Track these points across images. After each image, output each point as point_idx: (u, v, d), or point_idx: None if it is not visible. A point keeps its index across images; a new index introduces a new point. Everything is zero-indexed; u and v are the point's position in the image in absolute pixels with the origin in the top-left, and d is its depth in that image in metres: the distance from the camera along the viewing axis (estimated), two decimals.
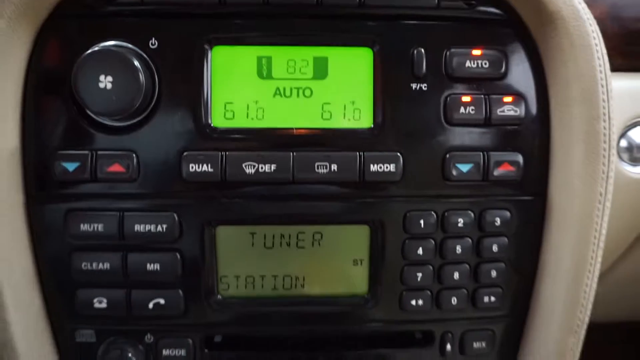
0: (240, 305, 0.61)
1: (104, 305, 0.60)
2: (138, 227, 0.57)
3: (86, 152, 0.56)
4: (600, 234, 0.58)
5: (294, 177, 0.56)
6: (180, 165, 0.56)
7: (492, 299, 0.62)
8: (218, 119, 0.57)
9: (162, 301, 0.60)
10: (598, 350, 0.84)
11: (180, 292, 0.60)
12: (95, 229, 0.57)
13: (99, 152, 0.56)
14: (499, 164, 0.58)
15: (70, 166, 0.56)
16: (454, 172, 0.58)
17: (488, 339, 0.64)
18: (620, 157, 0.71)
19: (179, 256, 0.58)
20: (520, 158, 0.59)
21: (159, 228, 0.57)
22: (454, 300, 0.62)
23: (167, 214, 0.57)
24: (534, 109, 0.59)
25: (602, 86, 0.55)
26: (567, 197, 0.58)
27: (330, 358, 0.64)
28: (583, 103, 0.55)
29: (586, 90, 0.55)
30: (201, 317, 0.61)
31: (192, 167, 0.56)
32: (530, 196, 0.60)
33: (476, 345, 0.64)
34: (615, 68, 0.59)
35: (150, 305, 0.60)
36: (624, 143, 0.72)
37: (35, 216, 0.58)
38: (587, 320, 0.60)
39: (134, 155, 0.56)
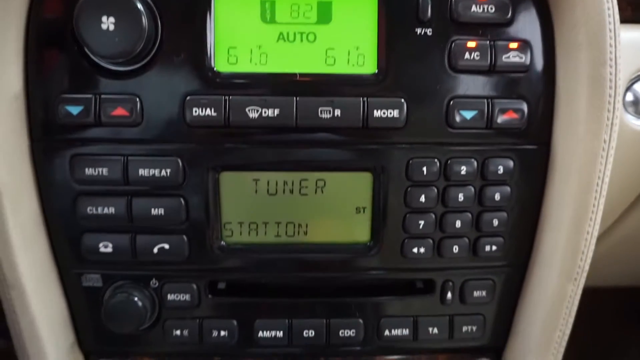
0: (244, 252, 0.62)
1: (109, 249, 0.61)
2: (142, 172, 0.58)
3: (89, 95, 0.56)
4: (603, 182, 0.58)
5: (297, 123, 0.56)
6: (184, 109, 0.56)
7: (494, 248, 0.63)
8: (221, 64, 0.57)
9: (166, 246, 0.61)
10: (589, 314, 0.84)
11: (185, 237, 0.61)
12: (100, 173, 0.58)
13: (103, 96, 0.56)
14: (503, 111, 0.58)
15: (74, 110, 0.56)
16: (458, 119, 0.58)
17: (488, 288, 0.65)
18: (626, 110, 0.70)
19: (183, 201, 0.59)
20: (524, 106, 0.58)
21: (163, 173, 0.58)
22: (455, 249, 0.62)
23: (171, 159, 0.58)
24: (539, 56, 0.58)
25: (610, 30, 0.54)
26: (570, 145, 0.58)
27: (331, 305, 0.65)
28: (589, 48, 0.55)
29: (593, 35, 0.54)
30: (205, 262, 0.62)
31: (196, 112, 0.56)
32: (534, 145, 0.60)
33: (476, 294, 0.65)
34: (623, 20, 0.58)
35: (155, 250, 0.61)
36: (629, 97, 0.71)
37: (40, 160, 0.58)
38: (587, 268, 0.61)
39: (137, 99, 0.56)
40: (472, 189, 0.60)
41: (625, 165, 0.71)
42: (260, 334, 0.65)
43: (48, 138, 0.58)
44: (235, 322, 0.65)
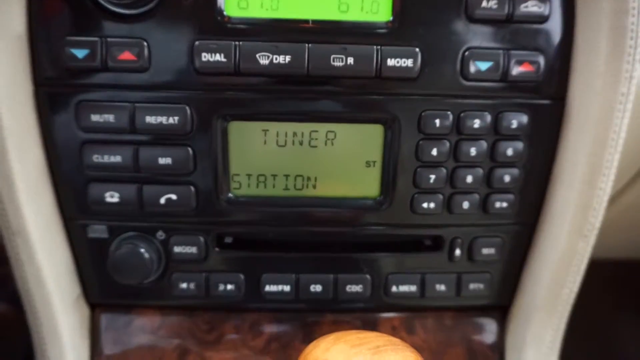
0: (252, 205, 0.61)
1: (115, 200, 0.60)
2: (149, 119, 0.56)
3: (96, 39, 0.54)
4: (619, 137, 0.57)
5: (309, 70, 0.55)
6: (193, 55, 0.54)
7: (504, 204, 0.62)
8: (232, 8, 0.55)
9: (173, 197, 0.60)
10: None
11: (192, 188, 0.60)
12: (106, 120, 0.56)
13: (109, 40, 0.54)
14: (519, 63, 0.57)
15: (80, 53, 0.54)
16: (472, 70, 0.56)
17: (497, 246, 0.65)
18: None
19: (191, 151, 0.58)
20: (541, 58, 0.57)
21: (171, 120, 0.57)
22: (465, 205, 0.62)
23: (179, 107, 0.56)
24: (558, 6, 0.56)
25: None
26: (587, 99, 0.57)
27: (339, 261, 0.65)
28: None
29: None
30: (213, 215, 0.61)
31: (205, 57, 0.54)
32: (549, 100, 0.59)
33: (485, 251, 0.65)
34: None
35: (162, 201, 0.60)
36: None
37: (45, 106, 0.57)
38: (597, 225, 0.61)
39: (145, 43, 0.54)
40: (485, 144, 0.59)
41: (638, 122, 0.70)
42: (267, 288, 0.64)
43: (52, 83, 0.56)
44: (242, 276, 0.64)
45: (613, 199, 0.87)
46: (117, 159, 0.58)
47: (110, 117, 0.56)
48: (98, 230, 0.62)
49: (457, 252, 0.65)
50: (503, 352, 0.69)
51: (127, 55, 0.54)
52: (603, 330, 1.59)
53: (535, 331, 0.66)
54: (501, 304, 0.69)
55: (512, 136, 0.60)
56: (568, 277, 0.62)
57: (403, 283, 0.65)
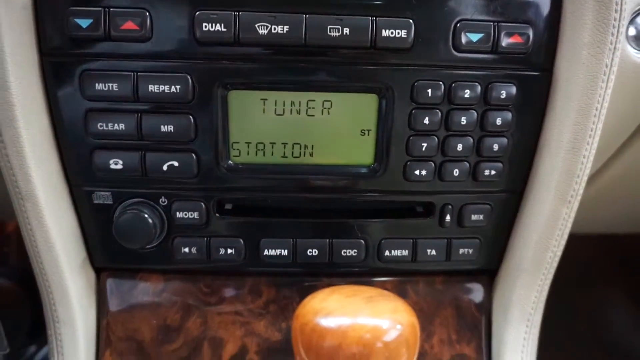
0: (251, 172, 0.64)
1: (119, 166, 0.62)
2: (152, 88, 0.58)
3: (99, 8, 0.56)
4: (602, 107, 0.59)
5: (306, 40, 0.57)
6: (194, 24, 0.56)
7: (493, 172, 0.65)
8: None
9: (175, 164, 0.62)
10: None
11: (194, 155, 0.62)
12: (110, 89, 0.58)
13: (112, 10, 0.56)
14: (509, 35, 0.59)
15: (83, 23, 0.56)
16: (464, 41, 0.58)
17: (486, 213, 0.68)
18: (628, 43, 0.71)
19: (192, 119, 0.60)
20: (530, 30, 0.59)
21: (173, 89, 0.59)
22: (455, 172, 0.64)
23: (180, 76, 0.58)
24: None
25: None
26: (573, 70, 0.59)
27: (335, 226, 0.68)
28: None
29: None
30: (213, 181, 0.64)
31: (205, 27, 0.56)
32: (537, 71, 0.62)
33: (474, 217, 0.68)
34: None
35: (165, 168, 0.62)
36: (632, 31, 0.72)
37: (50, 75, 0.59)
38: (581, 191, 0.64)
39: (147, 13, 0.56)
40: (475, 113, 0.62)
41: (626, 99, 0.72)
42: (265, 252, 0.67)
43: (57, 52, 0.58)
44: (241, 241, 0.67)
45: (597, 174, 0.90)
46: (120, 127, 0.60)
47: (113, 86, 0.58)
48: (102, 197, 0.65)
49: (448, 218, 0.68)
50: (490, 312, 0.73)
51: (129, 25, 0.56)
52: (587, 300, 1.65)
53: (521, 292, 0.69)
54: (489, 268, 0.73)
55: (501, 106, 0.62)
56: (552, 241, 0.66)
57: (395, 248, 0.68)
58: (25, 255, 0.64)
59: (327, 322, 0.43)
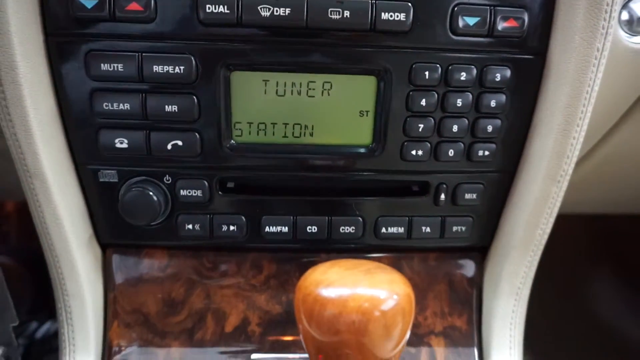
0: (253, 151, 0.66)
1: (125, 145, 0.64)
2: (156, 69, 0.60)
3: None
4: (593, 90, 0.62)
5: (307, 22, 0.58)
6: (197, 6, 0.57)
7: (486, 153, 0.67)
8: None
9: (179, 143, 0.64)
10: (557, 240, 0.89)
11: (197, 135, 0.64)
12: (115, 69, 0.60)
13: None
14: (504, 19, 0.60)
15: (89, 3, 0.57)
16: (461, 25, 0.60)
17: (479, 192, 0.70)
18: (620, 28, 0.73)
19: (195, 99, 0.62)
20: (525, 15, 0.61)
21: (177, 70, 0.60)
22: (450, 153, 0.67)
23: (184, 56, 0.60)
24: None
25: None
26: (565, 54, 0.61)
27: (333, 204, 0.70)
28: None
29: None
30: (216, 160, 0.66)
31: (209, 8, 0.57)
32: (531, 55, 0.63)
33: (467, 196, 0.70)
34: None
35: (169, 147, 0.64)
36: (625, 15, 0.73)
37: (56, 56, 0.60)
38: (570, 171, 0.66)
39: None
40: (470, 96, 0.64)
41: (616, 82, 0.74)
42: (267, 229, 0.70)
43: (62, 32, 0.59)
44: (243, 218, 0.69)
45: (587, 156, 0.93)
46: (126, 106, 0.62)
47: (118, 66, 0.60)
48: (108, 175, 0.66)
49: (442, 197, 0.70)
50: (481, 287, 0.77)
51: (134, 6, 0.57)
52: (575, 278, 1.70)
53: (511, 268, 0.73)
54: (481, 245, 0.76)
55: (496, 89, 0.64)
56: (541, 219, 0.69)
57: (392, 225, 0.71)
58: (25, 234, 0.66)
59: (328, 292, 0.45)
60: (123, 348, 0.71)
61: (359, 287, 0.45)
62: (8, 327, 0.75)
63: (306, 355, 0.71)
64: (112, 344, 0.71)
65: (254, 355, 0.71)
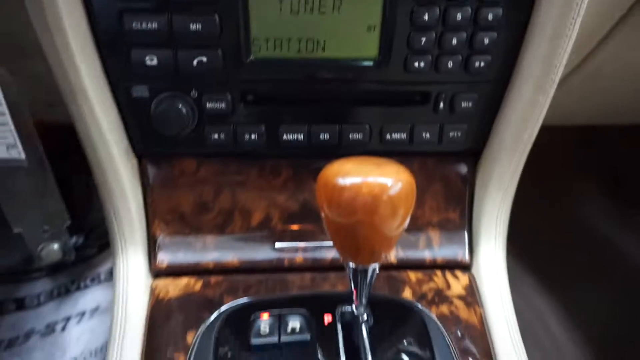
0: (270, 65, 0.72)
1: (154, 62, 0.70)
2: None
3: None
4: (583, 2, 0.67)
5: None
6: None
7: (482, 64, 0.74)
8: None
9: (204, 59, 0.70)
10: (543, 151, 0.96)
11: (220, 51, 0.70)
12: None
13: None
14: None
15: None
16: None
17: (474, 100, 0.78)
18: None
19: (217, 18, 0.67)
20: None
21: None
22: (450, 64, 0.73)
23: None
24: None
25: None
26: None
27: (343, 113, 0.78)
28: None
29: None
30: (237, 75, 0.72)
31: None
32: None
33: (464, 104, 0.78)
34: None
35: (194, 63, 0.70)
36: None
37: None
38: (557, 81, 0.73)
39: None
40: (469, 9, 0.69)
41: None
42: (284, 137, 0.78)
43: None
44: (263, 127, 0.78)
45: (576, 69, 0.99)
46: (154, 25, 0.67)
47: None
48: (140, 90, 0.74)
49: (441, 105, 0.78)
50: (473, 186, 0.87)
51: None
52: (564, 189, 1.82)
53: (500, 168, 0.82)
54: (475, 149, 0.85)
55: (493, 2, 0.69)
56: (529, 124, 0.77)
57: (395, 131, 0.79)
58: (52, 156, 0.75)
59: (345, 180, 0.55)
60: (166, 240, 0.83)
61: (370, 176, 0.54)
62: (62, 226, 0.87)
63: (319, 243, 0.84)
64: (155, 236, 0.83)
65: (277, 244, 0.83)
